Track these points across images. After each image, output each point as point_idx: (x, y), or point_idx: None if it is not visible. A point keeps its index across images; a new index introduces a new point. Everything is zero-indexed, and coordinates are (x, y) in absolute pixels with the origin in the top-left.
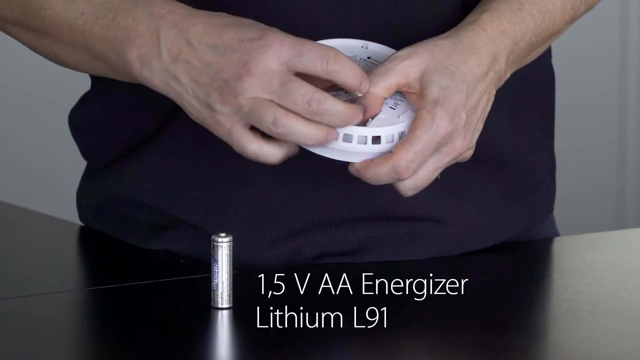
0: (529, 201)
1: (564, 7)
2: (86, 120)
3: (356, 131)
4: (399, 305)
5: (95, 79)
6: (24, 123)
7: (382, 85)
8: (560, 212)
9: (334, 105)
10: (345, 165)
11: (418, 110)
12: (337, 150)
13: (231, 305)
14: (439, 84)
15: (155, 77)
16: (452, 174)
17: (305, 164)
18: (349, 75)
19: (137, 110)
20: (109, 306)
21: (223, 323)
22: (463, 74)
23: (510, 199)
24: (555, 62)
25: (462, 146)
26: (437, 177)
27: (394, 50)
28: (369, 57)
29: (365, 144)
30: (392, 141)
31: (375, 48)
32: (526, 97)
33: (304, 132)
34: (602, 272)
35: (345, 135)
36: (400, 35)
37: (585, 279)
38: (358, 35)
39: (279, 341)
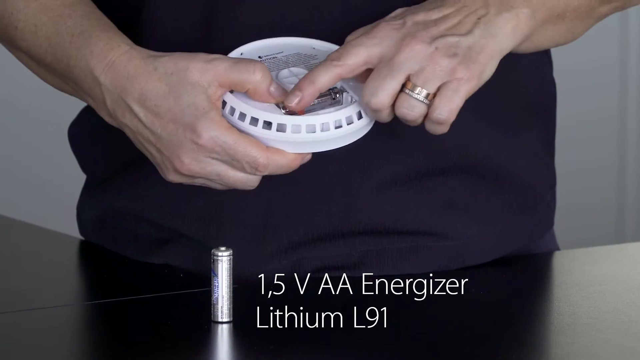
0: (529, 216)
1: None
2: (86, 134)
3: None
4: (399, 309)
5: None
6: (24, 137)
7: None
8: (560, 226)
9: (279, 161)
10: (346, 178)
11: None
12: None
13: (231, 319)
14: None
15: (108, 121)
16: (452, 188)
17: (306, 178)
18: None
19: None
20: (109, 320)
21: (223, 337)
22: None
23: (511, 214)
24: (555, 75)
25: (422, 48)
26: (424, 101)
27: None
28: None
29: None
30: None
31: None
32: (527, 111)
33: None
34: (602, 286)
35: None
36: None
37: (585, 293)
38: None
39: (280, 352)
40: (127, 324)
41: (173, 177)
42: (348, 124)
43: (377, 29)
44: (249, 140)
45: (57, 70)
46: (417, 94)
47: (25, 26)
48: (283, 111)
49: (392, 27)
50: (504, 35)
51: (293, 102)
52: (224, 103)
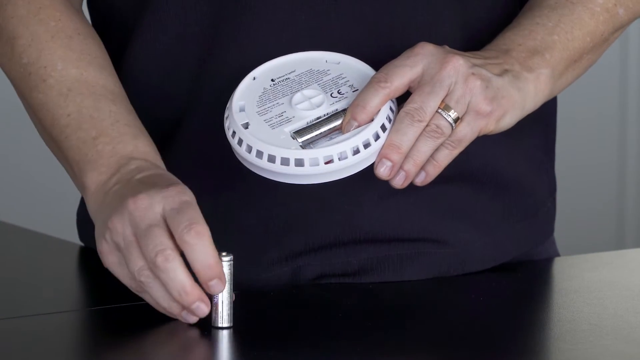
0: (529, 223)
1: (590, 10)
2: None
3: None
4: (399, 316)
5: None
6: (24, 142)
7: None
8: (561, 232)
9: (176, 271)
10: (347, 185)
11: None
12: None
13: (231, 324)
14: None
15: (91, 200)
16: (453, 195)
17: (307, 186)
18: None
19: None
20: (109, 326)
21: (223, 343)
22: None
23: (511, 221)
24: None
25: (433, 49)
26: (452, 126)
27: (365, 65)
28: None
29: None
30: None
31: (349, 62)
32: (528, 118)
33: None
34: (602, 292)
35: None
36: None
37: (585, 299)
38: (354, 56)
39: (280, 359)
40: (127, 330)
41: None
42: (365, 148)
43: (418, 47)
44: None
45: (64, 134)
46: (449, 115)
47: (55, 84)
48: (299, 143)
49: (434, 46)
50: (526, 92)
51: (350, 131)
52: (240, 141)
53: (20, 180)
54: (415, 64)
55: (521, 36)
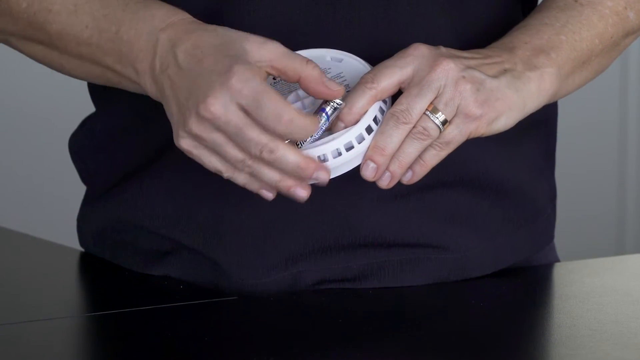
0: (529, 229)
1: (599, 12)
2: (86, 145)
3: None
4: (399, 321)
5: (98, 105)
6: (24, 148)
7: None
8: (560, 237)
9: (287, 155)
10: (347, 190)
11: None
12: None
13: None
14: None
15: (148, 86)
16: (453, 201)
17: None
18: (298, 137)
19: (138, 134)
20: (109, 332)
21: (223, 349)
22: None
23: (511, 227)
24: None
25: (425, 49)
26: (440, 129)
27: (367, 65)
28: (341, 73)
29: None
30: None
31: (351, 61)
32: (528, 124)
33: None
34: (602, 297)
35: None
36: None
37: (585, 305)
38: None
39: None
40: (127, 335)
41: (191, 126)
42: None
43: (411, 48)
44: (276, 92)
45: (92, 46)
46: (436, 117)
47: (61, 8)
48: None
49: (427, 47)
50: (527, 93)
51: (338, 131)
52: None
53: (20, 186)
54: (405, 65)
55: (528, 35)
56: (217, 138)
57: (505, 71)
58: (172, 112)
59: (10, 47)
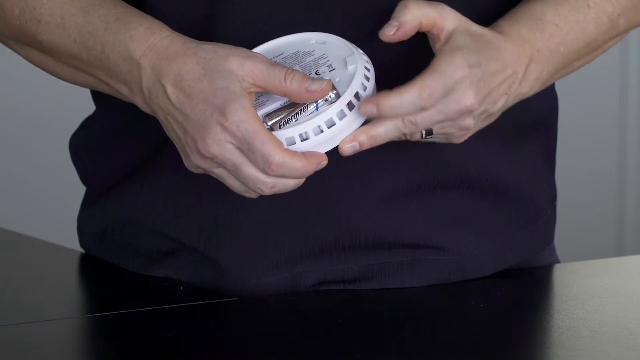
0: (529, 230)
1: (598, 19)
2: (86, 146)
3: (311, 124)
4: (399, 322)
5: (98, 104)
6: (24, 149)
7: (418, 13)
8: (561, 239)
9: (287, 182)
10: (347, 191)
11: (439, 51)
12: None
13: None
14: (465, 41)
15: (141, 105)
16: (453, 202)
17: (307, 190)
18: (287, 182)
19: (138, 134)
20: (109, 333)
21: (223, 350)
22: (485, 59)
23: (511, 228)
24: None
25: (470, 101)
26: (422, 137)
27: (350, 45)
28: (324, 54)
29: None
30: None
31: (334, 42)
32: (529, 126)
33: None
34: (602, 299)
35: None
36: (386, 49)
37: (585, 306)
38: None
39: None
40: (127, 337)
41: (195, 160)
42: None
43: (456, 72)
44: (269, 135)
45: (83, 61)
46: (426, 132)
47: (50, 19)
48: (268, 126)
49: (464, 69)
50: (527, 90)
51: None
52: None
53: (20, 187)
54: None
55: (542, 39)
56: (223, 172)
57: (509, 88)
58: (171, 136)
59: (9, 49)
